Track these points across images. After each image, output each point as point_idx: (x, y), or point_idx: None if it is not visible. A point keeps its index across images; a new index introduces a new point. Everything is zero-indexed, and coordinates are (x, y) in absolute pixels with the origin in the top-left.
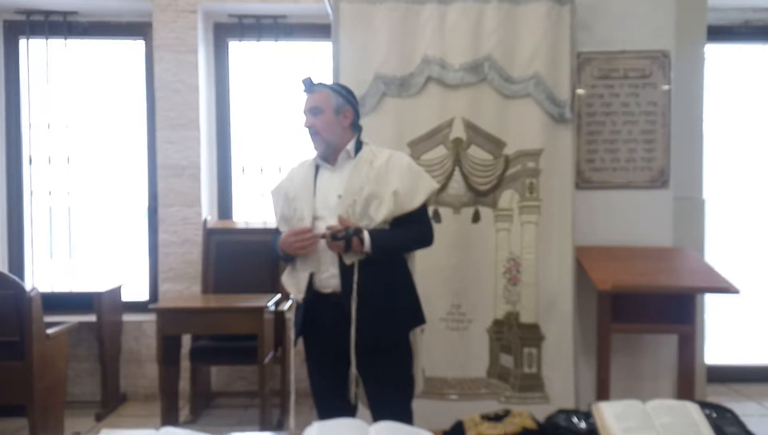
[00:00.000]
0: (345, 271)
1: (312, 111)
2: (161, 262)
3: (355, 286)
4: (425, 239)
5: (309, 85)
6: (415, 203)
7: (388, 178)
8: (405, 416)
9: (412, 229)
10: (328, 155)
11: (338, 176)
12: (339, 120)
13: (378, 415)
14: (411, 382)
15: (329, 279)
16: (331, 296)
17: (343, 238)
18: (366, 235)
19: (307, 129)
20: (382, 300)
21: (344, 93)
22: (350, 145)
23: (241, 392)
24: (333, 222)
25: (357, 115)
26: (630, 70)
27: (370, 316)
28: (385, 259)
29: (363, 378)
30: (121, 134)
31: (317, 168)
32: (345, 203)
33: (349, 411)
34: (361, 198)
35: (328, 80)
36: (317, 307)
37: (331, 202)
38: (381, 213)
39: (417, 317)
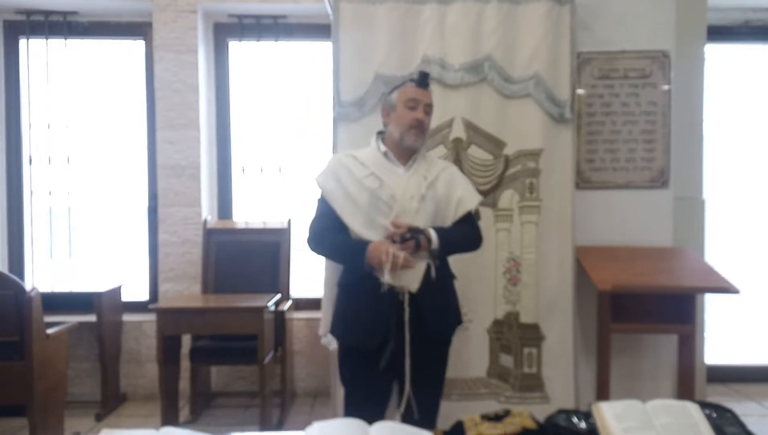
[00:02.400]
0: (426, 269)
1: (426, 108)
2: (161, 262)
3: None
4: (476, 241)
5: (427, 81)
6: (469, 206)
7: (455, 185)
8: (437, 413)
9: (466, 228)
10: (404, 153)
11: (408, 176)
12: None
13: (419, 412)
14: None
15: (409, 275)
16: (392, 292)
17: (411, 238)
18: (432, 233)
19: (414, 121)
20: (442, 297)
21: None
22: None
23: (241, 392)
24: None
25: None
26: (630, 70)
27: (436, 312)
28: (445, 256)
29: (415, 374)
30: (121, 134)
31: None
32: (409, 205)
33: (383, 411)
34: (431, 200)
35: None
36: (370, 301)
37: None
38: (449, 217)
39: (460, 315)
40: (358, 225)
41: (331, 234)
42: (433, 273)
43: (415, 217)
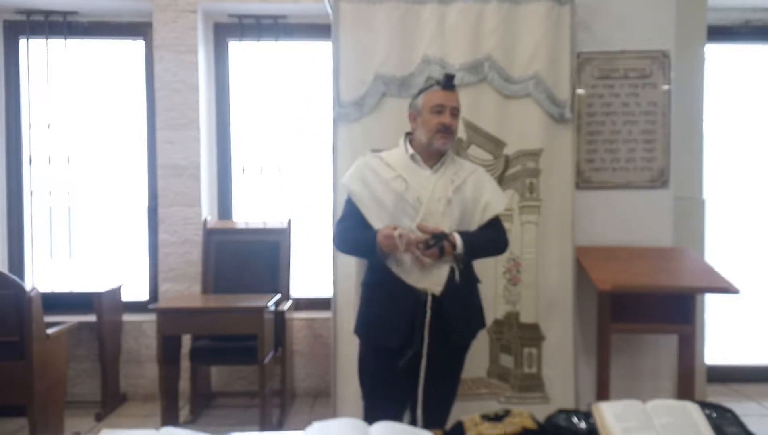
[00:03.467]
0: (450, 272)
1: (453, 111)
2: (161, 262)
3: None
4: (502, 245)
5: (452, 83)
6: (496, 210)
7: (482, 189)
8: (447, 414)
9: (492, 233)
10: (432, 156)
11: (435, 179)
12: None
13: (429, 411)
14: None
15: (433, 277)
16: (419, 292)
17: (435, 244)
18: (457, 237)
19: (440, 126)
20: (465, 300)
21: None
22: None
23: (241, 392)
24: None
25: None
26: (630, 70)
27: (459, 315)
28: (470, 260)
29: (431, 376)
30: (121, 134)
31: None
32: (436, 207)
33: (402, 410)
34: (458, 203)
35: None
36: (413, 305)
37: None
38: (475, 221)
39: (483, 320)
40: (383, 225)
41: (352, 232)
42: (457, 276)
43: (441, 219)
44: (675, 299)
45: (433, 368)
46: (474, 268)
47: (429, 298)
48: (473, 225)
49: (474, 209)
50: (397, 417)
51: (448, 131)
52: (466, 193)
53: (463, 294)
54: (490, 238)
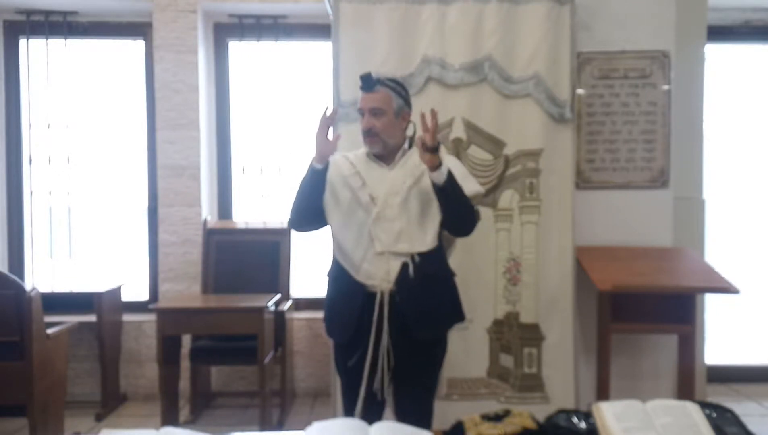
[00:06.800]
0: (402, 267)
1: (373, 112)
2: (161, 262)
3: (406, 280)
4: (471, 214)
5: (370, 84)
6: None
7: None
8: (428, 413)
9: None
10: (384, 155)
11: (392, 175)
12: (398, 122)
13: (404, 410)
14: (438, 380)
15: (383, 274)
16: (377, 291)
17: (434, 149)
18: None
19: (363, 131)
20: (428, 295)
21: (404, 93)
22: (406, 144)
23: (241, 392)
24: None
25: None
26: (630, 70)
27: (419, 311)
28: (451, 190)
29: (397, 373)
30: (121, 134)
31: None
32: (392, 201)
33: (379, 408)
34: (416, 196)
35: (386, 79)
36: (361, 302)
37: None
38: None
39: (459, 314)
40: (335, 219)
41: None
42: (411, 271)
43: (399, 213)
44: (675, 299)
45: (401, 367)
46: (447, 260)
47: (379, 296)
48: (437, 216)
49: (435, 199)
50: (372, 413)
51: (369, 134)
52: (424, 185)
53: (425, 289)
54: (465, 198)
